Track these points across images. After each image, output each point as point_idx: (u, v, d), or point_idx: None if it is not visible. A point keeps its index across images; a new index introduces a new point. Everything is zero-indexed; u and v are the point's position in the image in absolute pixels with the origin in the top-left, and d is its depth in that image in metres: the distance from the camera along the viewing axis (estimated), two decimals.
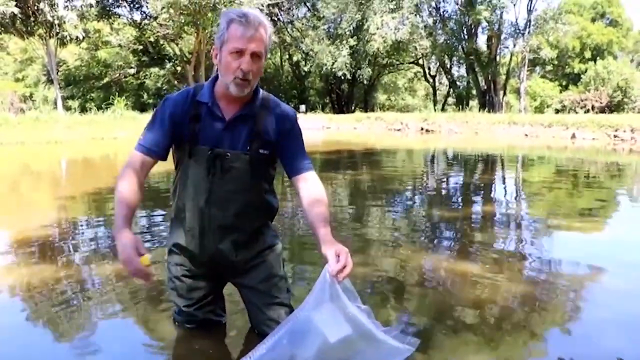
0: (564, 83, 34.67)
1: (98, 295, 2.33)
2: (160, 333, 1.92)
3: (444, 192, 5.69)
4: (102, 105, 20.45)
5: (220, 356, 1.77)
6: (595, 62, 31.08)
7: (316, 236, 1.58)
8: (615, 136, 12.45)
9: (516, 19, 47.71)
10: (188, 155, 1.67)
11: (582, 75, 31.77)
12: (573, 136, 13.01)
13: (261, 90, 1.71)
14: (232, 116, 1.66)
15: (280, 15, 29.81)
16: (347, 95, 32.68)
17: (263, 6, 21.38)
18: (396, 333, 1.47)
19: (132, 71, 30.02)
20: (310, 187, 1.69)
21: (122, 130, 13.51)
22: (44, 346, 1.88)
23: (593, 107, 25.66)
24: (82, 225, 3.84)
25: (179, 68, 27.93)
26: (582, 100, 27.13)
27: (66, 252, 3.10)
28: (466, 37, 26.90)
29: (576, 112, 22.61)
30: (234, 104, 1.66)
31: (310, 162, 1.74)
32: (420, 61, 32.34)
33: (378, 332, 1.43)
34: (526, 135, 14.06)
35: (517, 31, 25.60)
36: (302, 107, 25.13)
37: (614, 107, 26.18)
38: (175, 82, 27.95)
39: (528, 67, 28.62)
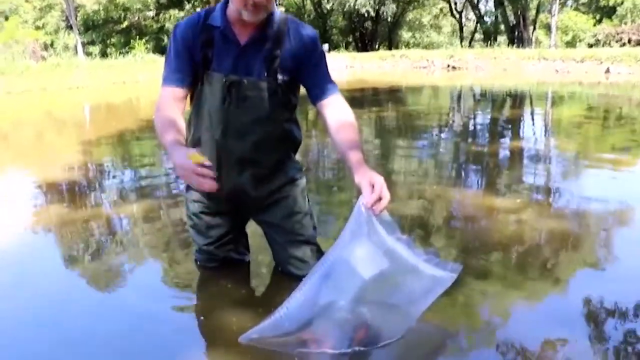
0: (597, 16, 32.75)
1: (124, 236, 2.35)
2: (184, 273, 1.91)
3: (470, 129, 5.53)
4: (123, 50, 20.29)
5: (246, 296, 1.75)
6: None
7: (347, 164, 1.47)
8: None
9: None
10: (201, 83, 1.57)
11: (617, 8, 29.93)
12: (607, 71, 12.39)
13: (278, 11, 1.57)
14: (247, 40, 1.54)
15: None
16: (371, 33, 31.64)
17: None
18: (438, 261, 1.39)
19: (151, 14, 29.47)
20: (337, 111, 1.57)
21: (143, 73, 13.42)
22: (69, 285, 1.90)
23: (630, 41, 24.30)
24: (108, 169, 3.85)
25: (198, 9, 27.31)
26: (617, 34, 25.65)
27: (93, 194, 3.12)
28: None
29: (611, 46, 21.49)
30: (248, 28, 1.53)
31: (335, 85, 1.61)
32: None
33: (420, 263, 1.35)
34: (557, 71, 13.46)
35: None
36: (326, 47, 24.39)
37: None
38: None
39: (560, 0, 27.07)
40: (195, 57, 1.56)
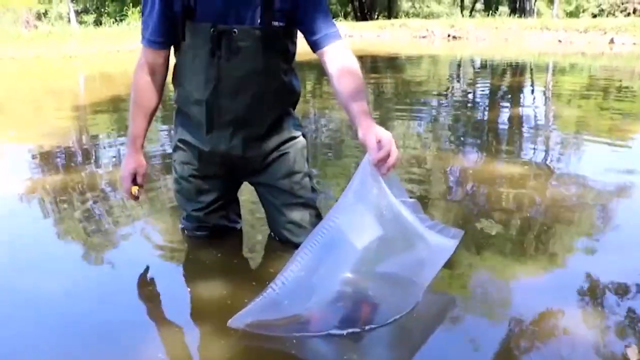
0: None
1: (112, 204, 2.28)
2: (170, 242, 1.82)
3: (467, 101, 5.42)
4: (117, 18, 19.86)
5: (238, 266, 1.66)
6: None
7: (350, 116, 1.31)
8: None
9: None
10: (183, 38, 1.42)
11: None
12: (611, 41, 12.17)
13: None
14: None
15: None
16: (370, 2, 31.08)
17: None
18: (442, 227, 1.28)
19: None
20: (339, 58, 1.41)
21: (138, 42, 13.15)
22: (62, 251, 1.84)
23: (635, 11, 23.89)
24: (102, 138, 3.76)
25: None
26: (622, 4, 25.19)
27: (85, 162, 3.04)
28: None
29: (615, 17, 21.12)
30: None
31: (337, 30, 1.45)
32: None
33: (423, 230, 1.23)
34: (560, 41, 13.23)
35: None
36: None
37: None
38: None
39: None
40: (174, 6, 1.40)
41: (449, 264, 1.39)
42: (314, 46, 1.47)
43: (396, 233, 1.21)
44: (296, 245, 1.28)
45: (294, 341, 1.21)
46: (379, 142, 1.19)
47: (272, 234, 1.75)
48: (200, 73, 1.45)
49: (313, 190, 1.67)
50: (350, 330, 1.23)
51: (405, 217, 1.21)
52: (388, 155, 1.17)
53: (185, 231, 1.77)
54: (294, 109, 1.67)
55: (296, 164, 1.61)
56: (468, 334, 1.31)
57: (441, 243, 1.28)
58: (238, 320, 1.22)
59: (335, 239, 1.18)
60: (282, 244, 1.67)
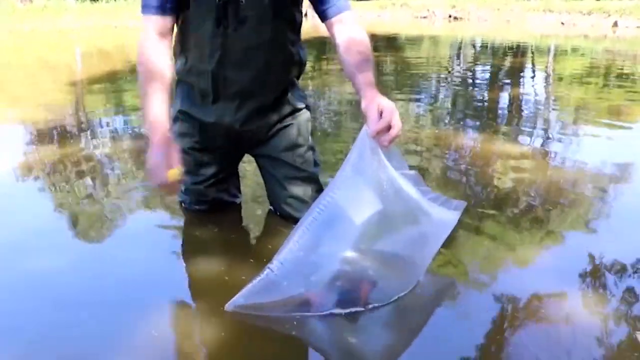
0: None
1: (112, 179, 2.25)
2: (168, 217, 1.79)
3: (467, 82, 5.36)
4: None
5: (238, 242, 1.62)
6: None
7: (356, 88, 1.26)
8: None
9: None
10: (187, 7, 1.34)
11: None
12: (615, 24, 12.06)
13: None
14: None
15: None
16: None
17: None
18: (444, 199, 1.23)
19: None
20: (348, 29, 1.36)
21: (135, 18, 12.98)
22: (57, 225, 1.81)
23: None
24: (98, 112, 3.70)
25: None
26: None
27: (81, 137, 3.00)
28: None
29: None
30: None
31: (348, 1, 1.40)
32: None
33: (426, 203, 1.18)
34: (562, 23, 13.10)
35: None
36: None
37: None
38: None
39: None
40: None
41: (448, 244, 1.37)
42: (323, 16, 1.41)
43: (397, 208, 1.16)
44: (297, 221, 1.21)
45: (294, 322, 1.18)
46: (381, 113, 1.14)
47: (272, 208, 1.71)
48: (204, 44, 1.39)
49: (316, 164, 1.63)
50: (350, 309, 1.20)
51: (406, 191, 1.16)
52: (389, 127, 1.12)
53: (184, 204, 1.73)
54: (299, 79, 1.63)
55: (300, 136, 1.57)
56: (468, 315, 1.29)
57: (444, 216, 1.23)
58: (234, 304, 1.18)
59: (333, 215, 1.14)
60: (283, 219, 1.64)
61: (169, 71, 1.35)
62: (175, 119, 1.59)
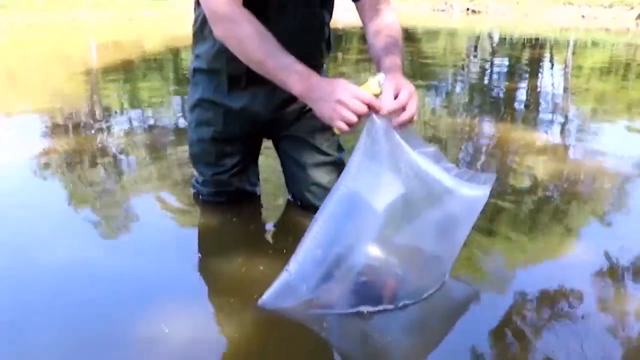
0: None
1: (126, 169, 2.22)
2: (185, 210, 1.74)
3: (484, 77, 5.26)
4: None
5: (256, 234, 1.57)
6: None
7: (380, 70, 1.18)
8: None
9: None
10: None
11: None
12: (638, 17, 11.79)
13: None
14: None
15: None
16: None
17: None
18: (471, 174, 1.11)
19: None
20: (381, 13, 1.29)
21: (150, 10, 13.01)
22: (73, 216, 1.78)
23: None
24: (115, 105, 3.68)
25: None
26: None
27: (98, 131, 2.97)
28: None
29: None
30: None
31: None
32: None
33: (451, 182, 1.08)
34: (583, 16, 12.84)
35: None
36: None
37: None
38: None
39: None
40: None
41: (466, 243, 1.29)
42: None
43: (420, 190, 1.06)
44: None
45: (317, 321, 1.12)
46: (397, 94, 1.05)
47: (291, 198, 1.65)
48: None
49: (340, 148, 1.57)
50: (373, 308, 1.13)
51: (428, 171, 1.06)
52: (403, 109, 1.04)
53: (201, 196, 1.68)
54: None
55: None
56: (490, 314, 1.22)
57: (472, 193, 1.11)
58: (263, 303, 1.12)
59: (351, 206, 1.06)
60: (303, 209, 1.58)
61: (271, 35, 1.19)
62: (192, 108, 1.54)
